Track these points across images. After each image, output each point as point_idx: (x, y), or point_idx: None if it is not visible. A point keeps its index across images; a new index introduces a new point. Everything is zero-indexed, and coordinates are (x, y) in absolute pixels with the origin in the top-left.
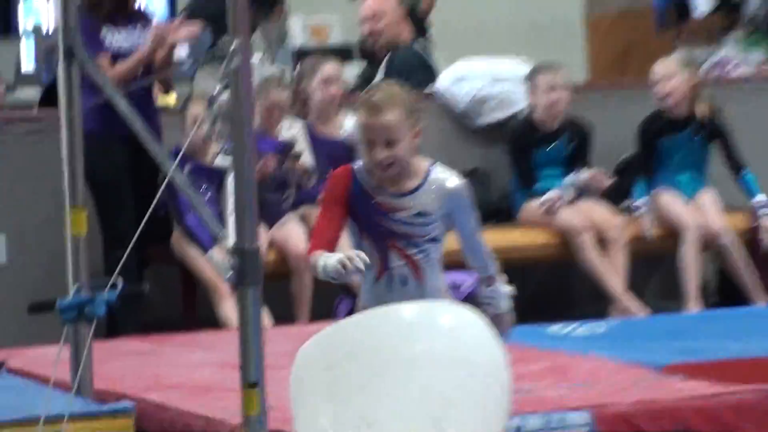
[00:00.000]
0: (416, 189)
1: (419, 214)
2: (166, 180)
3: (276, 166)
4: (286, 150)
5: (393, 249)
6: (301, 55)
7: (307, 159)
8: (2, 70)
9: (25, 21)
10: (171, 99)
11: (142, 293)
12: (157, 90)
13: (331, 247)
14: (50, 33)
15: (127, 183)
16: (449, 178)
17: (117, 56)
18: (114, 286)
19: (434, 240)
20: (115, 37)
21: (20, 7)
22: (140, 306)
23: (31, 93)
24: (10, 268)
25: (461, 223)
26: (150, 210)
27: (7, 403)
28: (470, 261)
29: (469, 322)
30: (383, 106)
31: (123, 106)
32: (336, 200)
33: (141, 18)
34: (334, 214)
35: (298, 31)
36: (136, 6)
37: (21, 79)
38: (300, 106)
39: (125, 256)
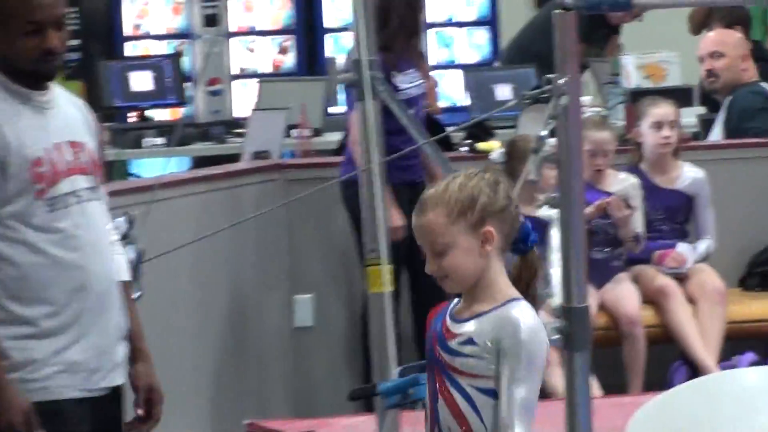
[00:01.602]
0: (482, 314)
1: (467, 342)
2: None
3: (603, 219)
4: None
5: (441, 394)
6: (634, 96)
7: (638, 221)
8: (310, 113)
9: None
10: (492, 144)
11: None
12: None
13: None
14: (346, 67)
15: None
16: (523, 313)
17: (408, 103)
18: None
19: (485, 392)
20: (402, 81)
21: (327, 43)
22: None
23: (339, 137)
24: (318, 331)
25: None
26: None
27: None
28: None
29: None
30: (427, 204)
31: (430, 149)
32: None
33: (420, 59)
34: None
35: (631, 71)
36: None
37: (329, 123)
38: (633, 153)
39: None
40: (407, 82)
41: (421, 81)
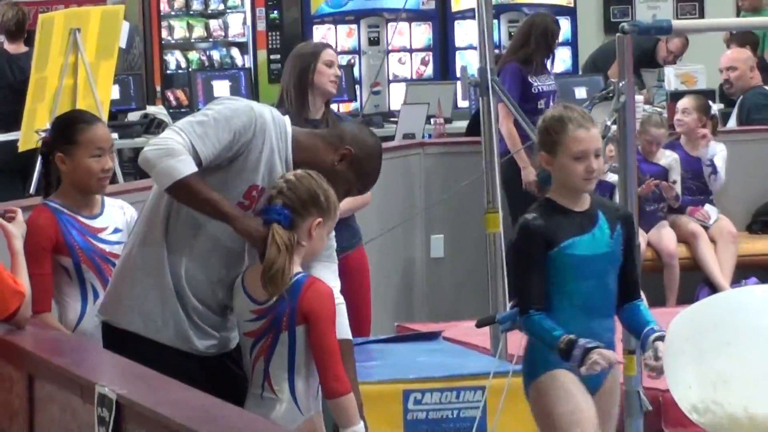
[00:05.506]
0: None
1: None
2: None
3: (654, 188)
4: (662, 176)
5: None
6: (674, 97)
7: (677, 186)
8: (443, 106)
9: (460, 67)
10: None
11: None
12: None
13: None
14: (474, 74)
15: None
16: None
17: (540, 95)
18: None
19: None
20: (535, 81)
21: (456, 56)
22: None
23: (464, 124)
24: (447, 261)
25: None
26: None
27: (444, 362)
28: None
29: None
30: None
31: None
32: None
33: (547, 69)
34: None
35: (671, 79)
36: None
37: (456, 114)
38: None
39: None
40: (539, 82)
41: (552, 82)
